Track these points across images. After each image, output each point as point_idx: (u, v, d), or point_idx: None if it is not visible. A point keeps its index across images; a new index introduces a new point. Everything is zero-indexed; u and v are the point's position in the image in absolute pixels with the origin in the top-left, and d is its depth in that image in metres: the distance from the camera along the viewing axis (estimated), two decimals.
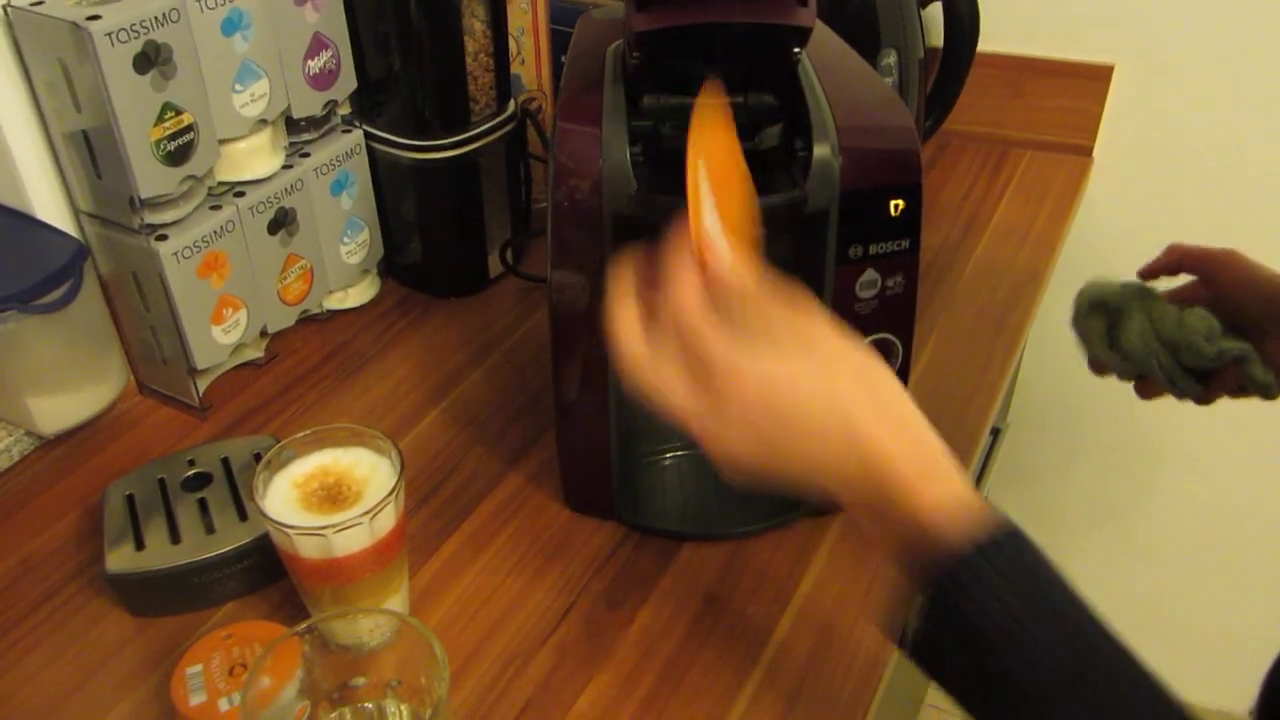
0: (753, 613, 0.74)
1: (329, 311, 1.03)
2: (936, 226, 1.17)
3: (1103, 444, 1.47)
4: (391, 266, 1.08)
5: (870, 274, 0.71)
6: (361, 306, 1.05)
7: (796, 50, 0.68)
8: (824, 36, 0.76)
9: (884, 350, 0.74)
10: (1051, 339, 1.42)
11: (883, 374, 0.52)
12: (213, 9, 0.79)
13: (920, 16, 1.13)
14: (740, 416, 0.51)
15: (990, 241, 1.15)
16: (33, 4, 0.75)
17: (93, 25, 0.72)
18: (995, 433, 1.13)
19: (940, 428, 0.88)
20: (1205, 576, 1.56)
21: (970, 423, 0.90)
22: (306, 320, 1.02)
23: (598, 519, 0.81)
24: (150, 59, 0.76)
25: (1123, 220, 1.32)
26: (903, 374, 0.75)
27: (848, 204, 0.67)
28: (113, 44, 0.73)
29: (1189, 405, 0.76)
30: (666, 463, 0.84)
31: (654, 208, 0.66)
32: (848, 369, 0.52)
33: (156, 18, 0.75)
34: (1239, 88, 1.21)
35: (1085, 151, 1.29)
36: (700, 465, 0.84)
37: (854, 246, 0.69)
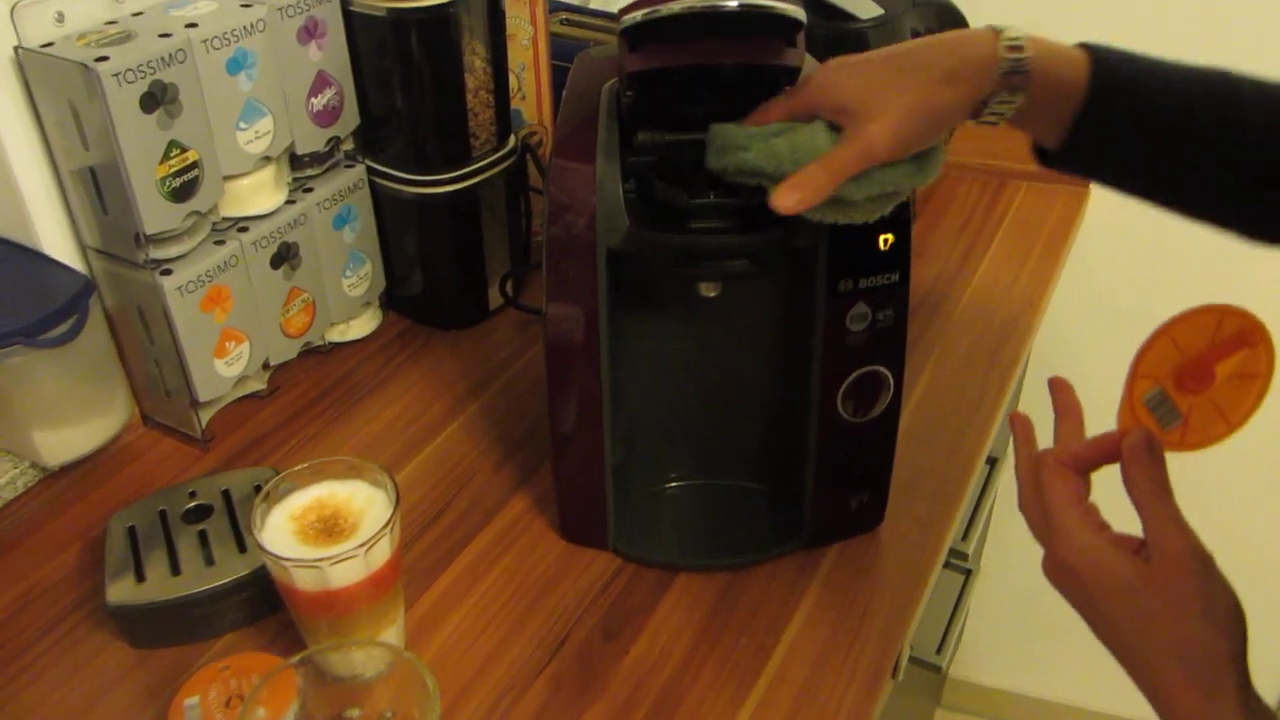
0: (746, 644, 0.74)
1: (331, 344, 1.05)
2: (933, 257, 1.18)
3: (1104, 473, 1.47)
4: (393, 299, 1.09)
5: (861, 307, 0.72)
6: (363, 339, 1.06)
7: (787, 87, 0.69)
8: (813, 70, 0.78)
9: (875, 382, 0.75)
10: (1051, 369, 1.43)
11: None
12: (218, 49, 0.81)
13: None
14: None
15: (986, 272, 1.16)
16: (43, 45, 0.77)
17: (101, 66, 0.73)
18: (992, 462, 1.13)
19: (935, 458, 0.90)
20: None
21: (965, 452, 0.91)
22: (309, 352, 1.03)
23: (594, 550, 0.82)
24: (156, 98, 0.77)
25: (1118, 250, 1.33)
26: (894, 405, 0.76)
27: (837, 239, 0.68)
28: (120, 84, 0.75)
29: None
30: (661, 495, 0.85)
31: (647, 244, 0.67)
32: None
33: (163, 58, 0.77)
34: None
35: (1081, 183, 1.30)
36: (694, 497, 0.85)
37: (844, 280, 0.70)
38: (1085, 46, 0.62)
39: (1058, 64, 0.61)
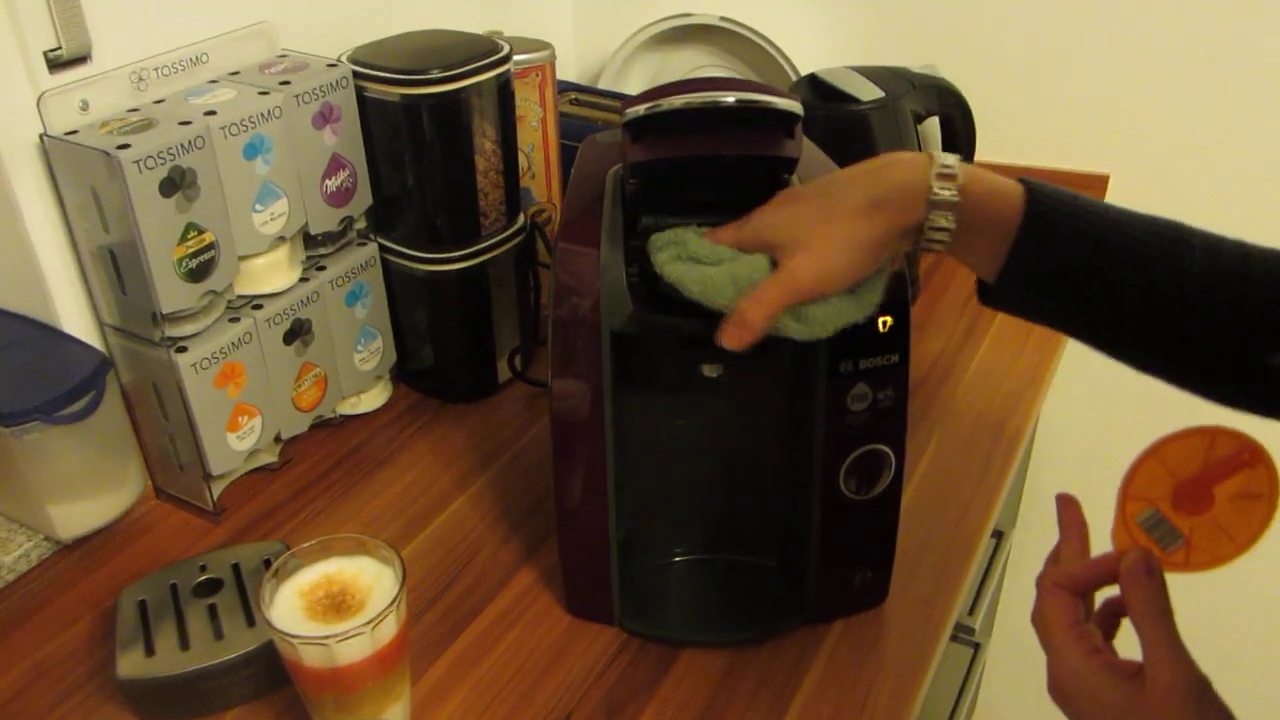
0: None
1: (342, 417, 1.06)
2: (938, 332, 1.20)
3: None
4: (404, 373, 1.11)
5: (861, 388, 0.73)
6: (374, 411, 1.08)
7: (786, 175, 0.71)
8: (814, 157, 0.80)
9: (876, 460, 0.75)
10: (1058, 442, 1.44)
11: None
12: (236, 135, 0.84)
13: (917, 131, 1.17)
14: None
15: (991, 346, 1.17)
16: (67, 133, 0.80)
17: (122, 154, 0.76)
18: (998, 536, 1.14)
19: (939, 533, 0.90)
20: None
21: (970, 526, 0.92)
22: (320, 425, 1.04)
23: (599, 625, 0.82)
24: (175, 183, 0.80)
25: None
26: (896, 483, 0.77)
27: None
28: (140, 170, 0.77)
29: None
30: (666, 570, 0.86)
31: (650, 327, 0.69)
32: None
33: (182, 145, 0.80)
34: (1231, 191, 1.24)
35: None
36: (698, 572, 0.86)
37: (844, 361, 0.72)
38: (1023, 181, 0.61)
39: (992, 193, 0.61)
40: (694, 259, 0.65)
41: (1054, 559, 0.61)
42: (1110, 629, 0.59)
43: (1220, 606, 1.46)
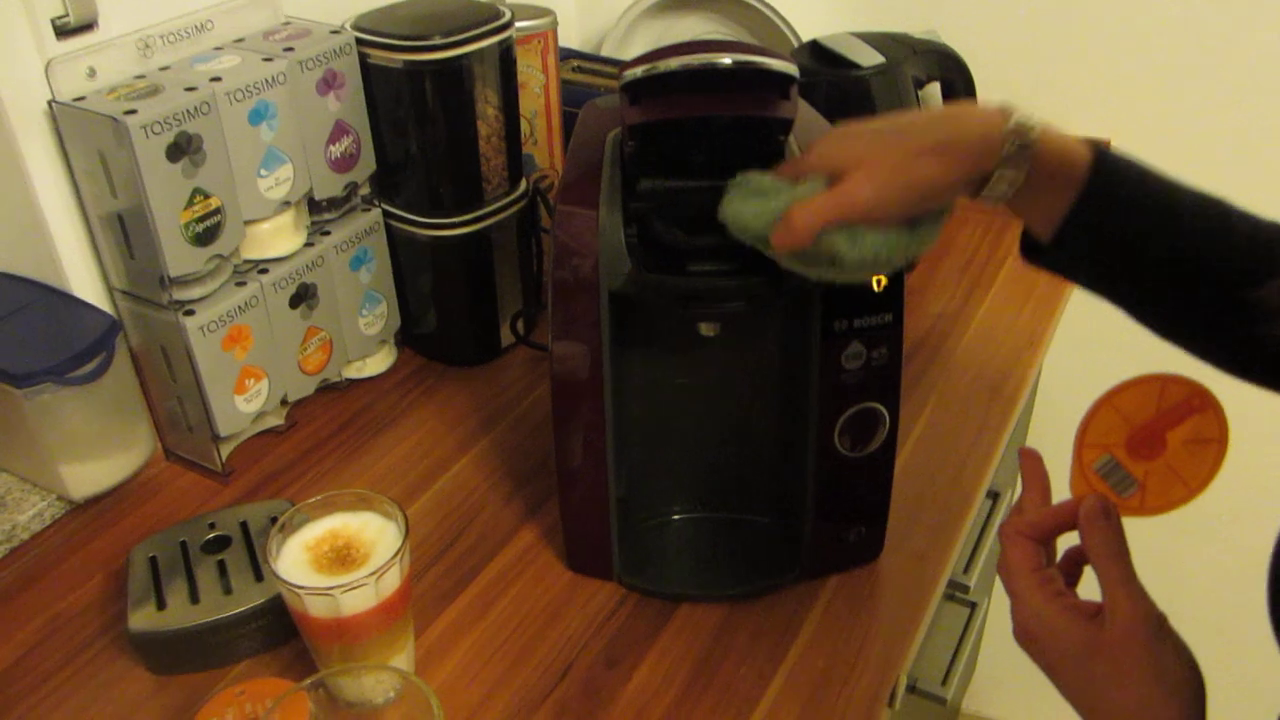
0: (746, 672, 0.76)
1: (347, 380, 1.08)
2: (938, 294, 1.21)
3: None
4: (408, 337, 1.13)
5: (855, 346, 0.74)
6: (379, 375, 1.10)
7: (782, 137, 0.72)
8: (811, 120, 0.81)
9: (871, 418, 0.77)
10: (1057, 403, 1.45)
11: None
12: (241, 101, 0.85)
13: (918, 96, 1.17)
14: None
15: (989, 310, 1.18)
16: (75, 99, 0.81)
17: (129, 119, 0.77)
18: (994, 496, 1.15)
19: (935, 492, 0.92)
20: (1225, 646, 1.55)
21: (965, 486, 0.93)
22: (326, 389, 1.06)
23: (599, 580, 0.84)
24: (182, 148, 0.81)
25: None
26: (890, 440, 0.79)
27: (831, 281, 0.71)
28: (147, 135, 0.78)
29: None
30: (665, 527, 0.87)
31: (647, 286, 0.70)
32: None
33: (188, 110, 0.81)
34: (1232, 157, 1.24)
35: None
36: (696, 529, 0.87)
37: (839, 320, 0.73)
38: (1091, 142, 0.62)
39: (1061, 153, 0.61)
40: (759, 193, 0.65)
41: (1018, 509, 0.62)
42: (1074, 576, 0.61)
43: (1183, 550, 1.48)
